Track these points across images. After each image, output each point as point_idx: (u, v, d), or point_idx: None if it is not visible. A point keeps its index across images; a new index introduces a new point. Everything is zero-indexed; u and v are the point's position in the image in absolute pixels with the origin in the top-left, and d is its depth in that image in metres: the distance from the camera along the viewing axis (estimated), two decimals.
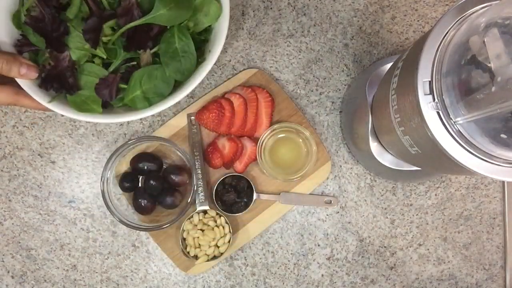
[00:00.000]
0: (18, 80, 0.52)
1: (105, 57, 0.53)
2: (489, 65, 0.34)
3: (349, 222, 0.68)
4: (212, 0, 0.53)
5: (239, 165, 0.66)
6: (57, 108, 0.53)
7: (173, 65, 0.54)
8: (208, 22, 0.55)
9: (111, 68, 0.54)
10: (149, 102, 0.55)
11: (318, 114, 0.69)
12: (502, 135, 0.36)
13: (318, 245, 0.68)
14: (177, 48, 0.53)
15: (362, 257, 0.68)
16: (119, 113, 0.55)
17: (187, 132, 0.67)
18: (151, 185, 0.63)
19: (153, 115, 0.67)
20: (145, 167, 0.64)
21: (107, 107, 0.56)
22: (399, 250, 0.68)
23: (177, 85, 0.56)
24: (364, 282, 0.68)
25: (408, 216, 0.68)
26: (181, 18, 0.52)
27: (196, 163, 0.65)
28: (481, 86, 0.35)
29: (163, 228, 0.62)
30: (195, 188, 0.63)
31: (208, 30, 0.56)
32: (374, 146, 0.60)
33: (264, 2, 0.69)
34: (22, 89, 0.52)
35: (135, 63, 0.55)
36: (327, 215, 0.68)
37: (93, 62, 0.54)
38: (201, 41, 0.57)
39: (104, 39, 0.52)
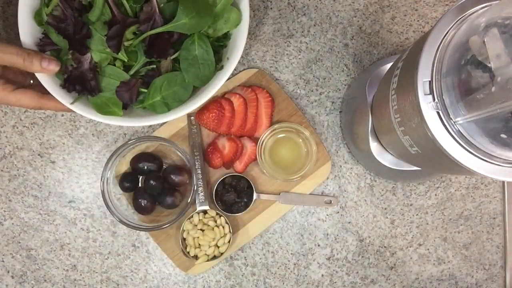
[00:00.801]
0: (41, 80, 0.52)
1: (126, 60, 0.53)
2: (489, 65, 0.34)
3: (349, 222, 0.68)
4: (232, 7, 0.54)
5: (239, 165, 0.66)
6: (79, 110, 0.53)
7: (192, 71, 0.55)
8: (227, 28, 0.55)
9: (132, 71, 0.54)
10: (168, 107, 0.55)
11: (318, 114, 0.69)
12: (502, 135, 0.36)
13: (318, 245, 0.68)
14: (196, 55, 0.54)
15: (362, 257, 0.68)
16: (140, 116, 0.56)
17: (187, 132, 0.67)
18: (151, 185, 0.63)
19: None
20: (145, 167, 0.64)
21: (126, 108, 0.56)
22: (399, 250, 0.68)
23: (195, 91, 0.57)
24: (364, 282, 0.68)
25: (408, 216, 0.68)
26: (202, 26, 0.53)
27: (196, 163, 0.65)
28: (481, 86, 0.35)
29: (163, 228, 0.62)
30: (195, 188, 0.63)
31: (226, 36, 0.57)
32: (374, 146, 0.60)
33: (264, 2, 0.69)
34: (45, 92, 0.52)
35: (154, 66, 0.55)
36: (327, 215, 0.68)
37: (114, 64, 0.54)
38: (219, 47, 0.57)
39: (126, 43, 0.52)
